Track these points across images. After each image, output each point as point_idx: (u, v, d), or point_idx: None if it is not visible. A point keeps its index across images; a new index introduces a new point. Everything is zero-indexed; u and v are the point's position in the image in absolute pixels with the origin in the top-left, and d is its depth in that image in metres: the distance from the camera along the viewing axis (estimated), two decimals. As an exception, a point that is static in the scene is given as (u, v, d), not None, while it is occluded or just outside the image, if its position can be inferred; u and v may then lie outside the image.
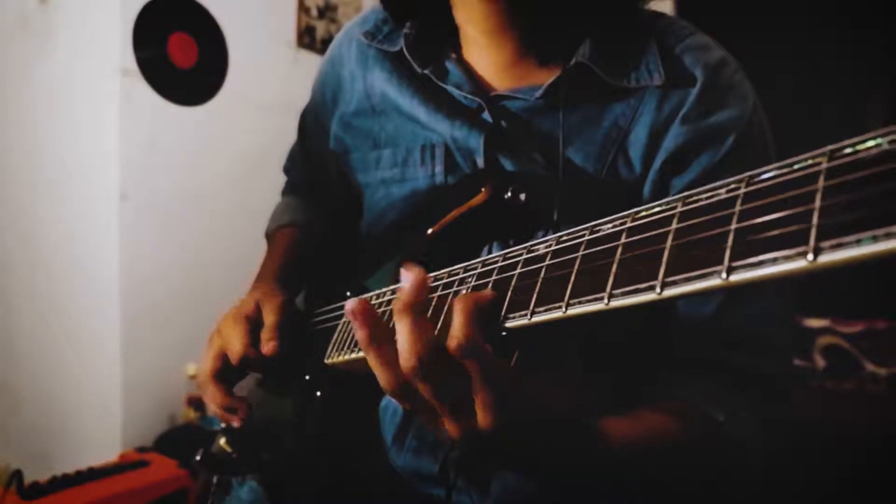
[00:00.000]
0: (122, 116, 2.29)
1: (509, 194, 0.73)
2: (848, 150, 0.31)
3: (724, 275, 0.34)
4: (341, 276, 0.92)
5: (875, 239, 0.28)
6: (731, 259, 0.34)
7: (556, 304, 0.46)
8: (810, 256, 0.30)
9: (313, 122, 1.08)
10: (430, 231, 0.78)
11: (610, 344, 0.76)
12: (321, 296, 0.94)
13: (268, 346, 0.83)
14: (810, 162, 0.33)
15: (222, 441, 0.89)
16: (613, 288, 0.41)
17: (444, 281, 0.61)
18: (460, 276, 0.59)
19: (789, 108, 2.38)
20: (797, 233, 0.31)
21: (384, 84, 0.91)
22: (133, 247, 2.34)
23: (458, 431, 0.52)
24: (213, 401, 0.85)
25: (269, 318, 0.85)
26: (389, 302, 0.67)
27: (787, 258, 0.31)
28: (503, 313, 0.51)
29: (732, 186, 0.37)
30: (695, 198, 0.40)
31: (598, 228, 0.47)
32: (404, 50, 0.87)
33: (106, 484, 1.86)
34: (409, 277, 0.51)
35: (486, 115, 0.82)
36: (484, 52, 0.86)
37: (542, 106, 0.80)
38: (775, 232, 0.33)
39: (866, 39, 2.43)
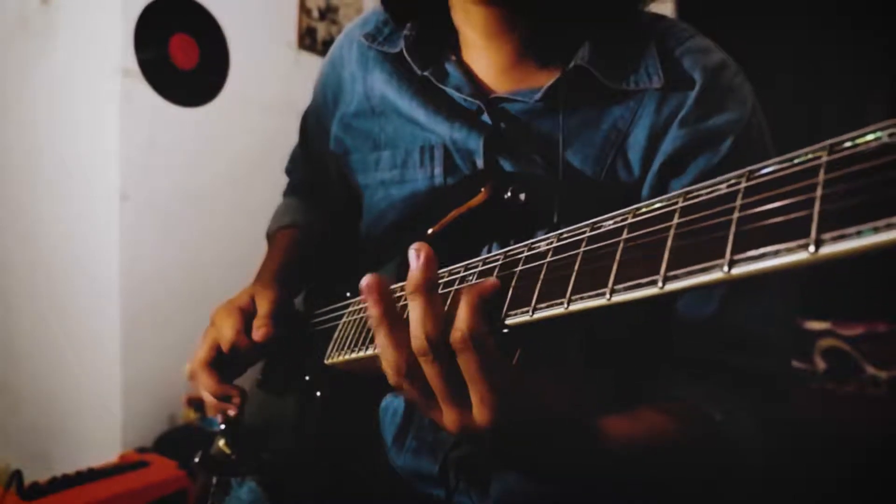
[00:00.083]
0: (122, 117, 2.30)
1: (509, 194, 0.73)
2: (848, 144, 0.31)
3: (725, 268, 0.34)
4: (341, 277, 0.92)
5: (876, 230, 0.28)
6: (733, 252, 0.34)
7: (558, 301, 0.46)
8: (812, 248, 0.30)
9: (314, 123, 1.08)
10: (429, 231, 0.78)
11: (611, 344, 0.76)
12: (321, 297, 0.94)
13: (259, 333, 0.83)
14: (811, 156, 0.33)
15: (221, 442, 0.89)
16: (615, 283, 0.41)
17: (445, 279, 0.61)
18: (461, 274, 0.59)
19: (789, 108, 2.39)
20: (798, 225, 0.31)
21: (384, 86, 0.91)
22: (133, 247, 2.34)
23: (457, 424, 0.52)
24: (206, 388, 0.85)
25: (263, 307, 0.86)
26: None
27: (789, 250, 0.31)
28: (505, 310, 0.51)
29: (733, 181, 0.37)
30: (696, 193, 0.40)
31: (599, 225, 0.47)
32: (404, 51, 0.87)
33: (106, 484, 1.86)
34: (418, 257, 0.52)
35: (486, 117, 0.82)
36: (483, 55, 0.86)
37: (541, 108, 0.80)
38: (777, 225, 0.33)
39: (866, 39, 2.44)
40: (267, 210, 1.16)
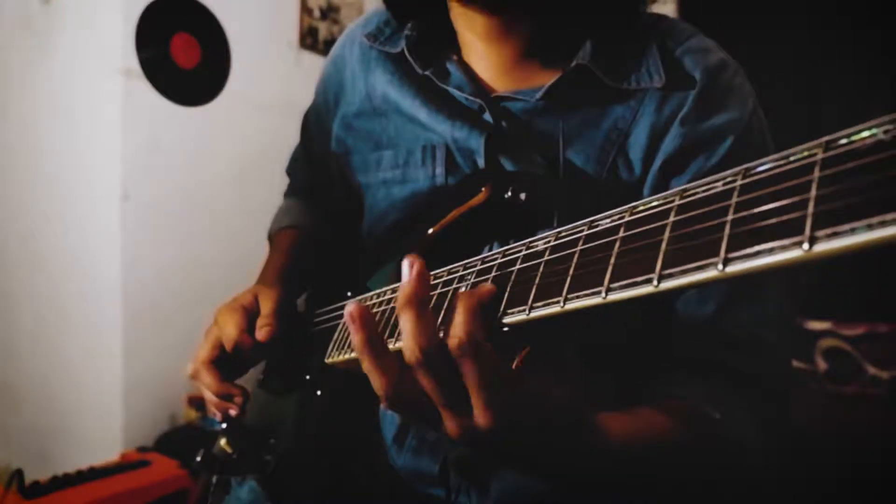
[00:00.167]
0: (123, 116, 2.30)
1: (510, 193, 0.73)
2: (843, 141, 0.31)
3: (720, 266, 0.34)
4: (342, 277, 0.92)
5: (870, 227, 0.28)
6: (728, 250, 0.34)
7: (555, 299, 0.46)
8: (806, 246, 0.30)
9: (315, 123, 1.08)
10: (430, 231, 0.78)
11: (610, 344, 0.76)
12: (322, 296, 0.94)
13: (262, 332, 0.83)
14: (806, 153, 0.33)
15: (223, 441, 0.89)
16: (611, 282, 0.41)
17: (444, 279, 0.61)
18: (460, 273, 0.59)
19: (789, 108, 2.39)
20: (793, 223, 0.31)
21: (386, 85, 0.91)
22: (134, 247, 2.34)
23: (458, 431, 0.52)
24: (208, 387, 0.84)
25: (266, 306, 0.86)
26: (390, 301, 0.67)
27: (784, 248, 0.31)
28: (502, 309, 0.51)
29: (729, 179, 0.37)
30: (692, 191, 0.40)
31: (596, 224, 0.47)
32: (405, 51, 0.87)
33: (106, 483, 1.86)
34: (410, 271, 0.52)
35: (487, 116, 0.82)
36: (483, 55, 0.86)
37: (542, 107, 0.81)
38: (772, 222, 0.33)
39: (866, 39, 2.44)
40: (267, 210, 1.16)
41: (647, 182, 0.78)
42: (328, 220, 1.10)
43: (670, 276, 0.37)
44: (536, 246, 0.52)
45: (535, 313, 0.47)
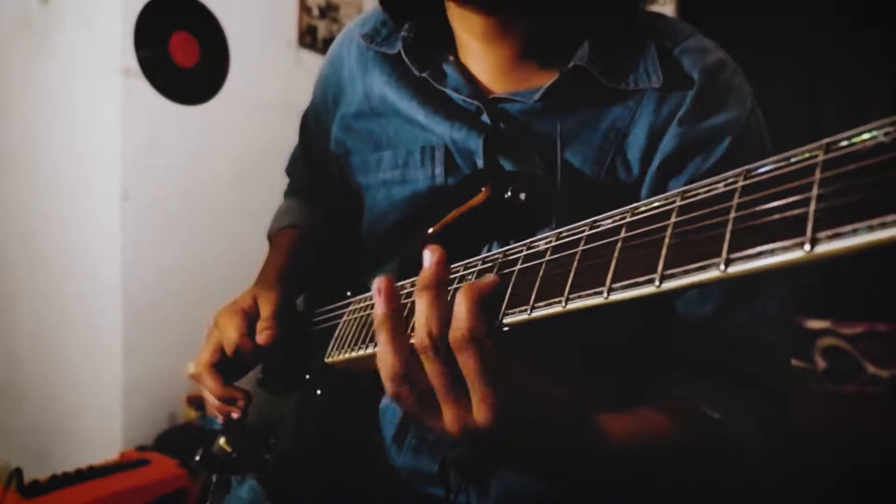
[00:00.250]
0: (123, 116, 2.30)
1: (509, 194, 0.73)
2: (844, 143, 0.31)
3: (722, 266, 0.34)
4: (342, 277, 0.92)
5: (871, 229, 0.28)
6: (730, 251, 0.34)
7: (556, 299, 0.46)
8: (807, 247, 0.30)
9: (314, 123, 1.08)
10: (430, 231, 0.78)
11: (611, 344, 0.76)
12: (322, 296, 0.94)
13: (263, 335, 0.83)
14: (807, 155, 0.33)
15: (222, 441, 0.89)
16: (613, 282, 0.42)
17: (444, 278, 0.61)
18: (461, 273, 0.59)
19: (789, 108, 2.39)
20: (794, 224, 0.32)
21: (383, 86, 0.91)
22: (134, 247, 2.34)
23: (458, 426, 0.52)
24: (211, 391, 0.84)
25: (266, 309, 0.86)
26: None
27: (785, 249, 0.31)
28: (503, 309, 0.51)
29: (730, 180, 0.38)
30: (693, 192, 0.40)
31: (597, 224, 0.47)
32: (402, 53, 0.87)
33: (106, 482, 1.86)
34: (431, 256, 0.53)
35: (485, 118, 0.82)
36: (481, 56, 0.86)
37: (540, 108, 0.80)
38: (773, 223, 0.33)
39: (866, 39, 2.44)
40: (267, 210, 1.16)
41: (644, 182, 0.78)
42: (328, 220, 1.10)
43: (672, 276, 0.37)
44: (538, 246, 0.52)
45: (537, 313, 0.47)
